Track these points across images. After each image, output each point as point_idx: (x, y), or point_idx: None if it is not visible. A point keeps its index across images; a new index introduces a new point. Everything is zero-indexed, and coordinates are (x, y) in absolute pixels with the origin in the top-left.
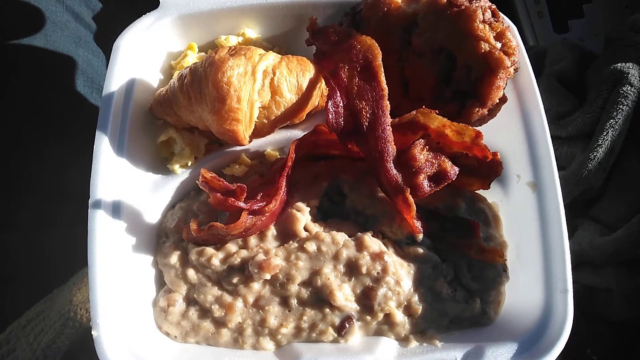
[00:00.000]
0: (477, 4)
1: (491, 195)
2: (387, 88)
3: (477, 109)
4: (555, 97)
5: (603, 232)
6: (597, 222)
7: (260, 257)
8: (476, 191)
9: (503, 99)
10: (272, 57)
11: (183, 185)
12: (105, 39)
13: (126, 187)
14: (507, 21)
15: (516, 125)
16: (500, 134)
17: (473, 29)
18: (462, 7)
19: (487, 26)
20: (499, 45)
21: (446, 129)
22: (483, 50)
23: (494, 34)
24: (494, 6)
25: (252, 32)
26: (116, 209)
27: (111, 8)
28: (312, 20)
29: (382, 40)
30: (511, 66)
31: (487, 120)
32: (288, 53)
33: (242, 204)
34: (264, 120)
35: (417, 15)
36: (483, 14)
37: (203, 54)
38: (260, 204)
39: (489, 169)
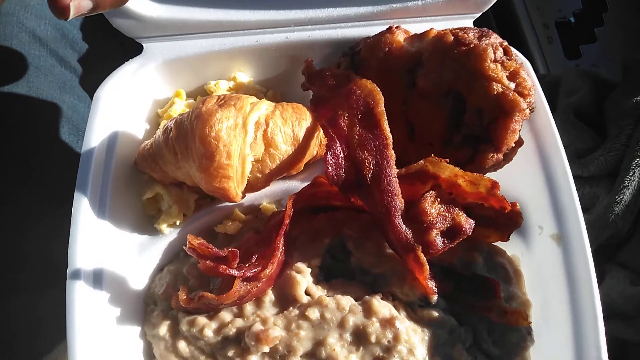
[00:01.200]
0: (487, 42)
1: (511, 247)
2: (391, 136)
3: (492, 154)
4: (573, 133)
5: (633, 280)
6: (626, 268)
7: (258, 327)
8: (494, 243)
9: (519, 142)
10: (265, 107)
11: (171, 246)
12: (93, 82)
13: (109, 252)
14: (521, 57)
15: (535, 171)
16: (518, 180)
17: (484, 69)
18: (471, 46)
19: (499, 65)
20: (512, 85)
21: (459, 179)
22: (495, 92)
23: (507, 74)
24: (505, 42)
25: (244, 75)
26: (98, 277)
27: (98, 49)
28: (307, 62)
29: (384, 83)
30: (527, 107)
31: (502, 165)
32: (283, 96)
33: (234, 272)
34: (258, 175)
35: (422, 55)
36: (494, 53)
37: (192, 100)
38: (255, 269)
39: (507, 220)
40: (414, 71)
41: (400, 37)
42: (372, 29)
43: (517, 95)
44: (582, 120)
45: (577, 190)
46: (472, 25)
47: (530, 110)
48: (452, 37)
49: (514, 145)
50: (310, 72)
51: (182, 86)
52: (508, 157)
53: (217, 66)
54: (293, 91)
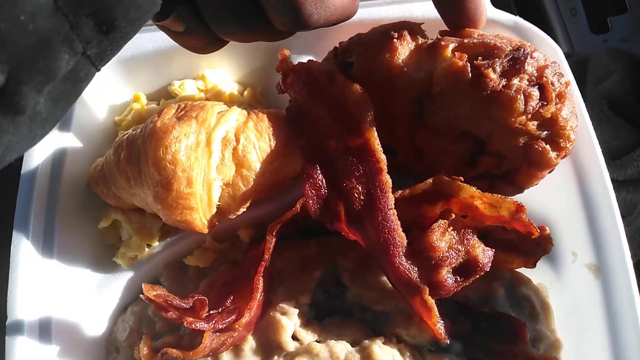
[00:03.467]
0: (518, 83)
1: (538, 275)
2: (384, 159)
3: (511, 191)
4: (607, 129)
5: None
6: None
7: None
8: (517, 269)
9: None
10: (235, 117)
11: (133, 282)
12: None
13: (58, 295)
14: (568, 75)
15: (568, 184)
16: (547, 195)
17: (509, 122)
18: (496, 91)
19: (529, 116)
20: (545, 134)
21: (475, 200)
22: (522, 144)
23: (540, 121)
24: (547, 72)
25: (215, 72)
26: (45, 328)
27: None
28: (282, 55)
29: (384, 107)
30: (562, 159)
31: (524, 190)
32: (264, 95)
33: (202, 325)
34: (229, 200)
35: (432, 87)
36: (526, 103)
37: (154, 105)
38: (229, 318)
39: (534, 245)
40: (421, 102)
41: (402, 57)
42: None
43: (548, 149)
44: (617, 112)
45: None
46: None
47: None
48: (471, 74)
49: None
50: (286, 69)
51: (141, 88)
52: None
53: (182, 62)
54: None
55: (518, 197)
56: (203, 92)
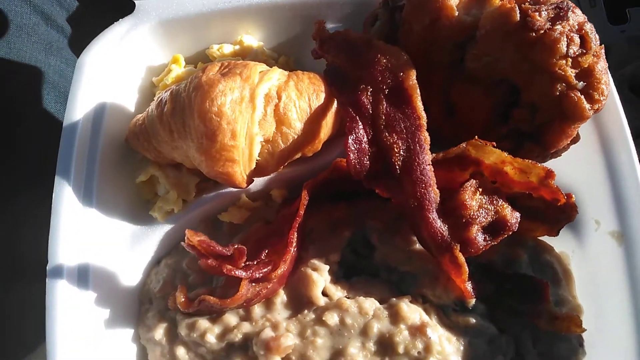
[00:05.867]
0: (561, 28)
1: (560, 244)
2: (425, 116)
3: (536, 153)
4: (629, 111)
5: None
6: None
7: (268, 333)
8: (540, 238)
9: (574, 140)
10: (277, 76)
11: (169, 236)
12: (83, 44)
13: (96, 244)
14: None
15: (594, 155)
16: (573, 165)
17: (550, 65)
18: (541, 33)
19: (569, 61)
20: (581, 84)
21: (506, 165)
22: (559, 92)
23: (578, 71)
24: (587, 26)
25: (252, 38)
26: (83, 274)
27: (89, 6)
28: (318, 24)
29: (425, 53)
30: (594, 113)
31: (548, 160)
32: (297, 64)
33: (241, 273)
34: (268, 157)
35: (477, 30)
36: (568, 46)
37: (192, 67)
38: (265, 269)
39: (559, 213)
40: (464, 47)
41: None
42: None
43: (583, 99)
44: (638, 95)
45: None
46: None
47: (595, 112)
48: (519, 16)
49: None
50: (323, 37)
51: (180, 51)
52: (556, 154)
53: (220, 28)
54: (309, 57)
55: None
56: (240, 56)
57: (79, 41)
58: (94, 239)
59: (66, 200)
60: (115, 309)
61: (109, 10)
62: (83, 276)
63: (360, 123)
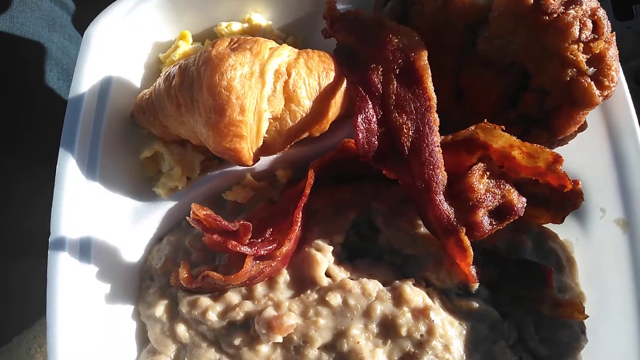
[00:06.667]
0: (574, 13)
1: (564, 231)
2: (435, 97)
3: (544, 139)
4: (635, 103)
5: None
6: None
7: (270, 312)
8: (545, 225)
9: (582, 127)
10: (287, 53)
11: (172, 213)
12: (86, 21)
13: (99, 218)
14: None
15: (601, 143)
16: (579, 153)
17: (562, 49)
18: (554, 16)
19: (581, 46)
20: (591, 71)
21: (514, 150)
22: (569, 77)
23: (589, 57)
24: (600, 12)
25: (261, 17)
26: (85, 248)
27: None
28: (329, 3)
29: (437, 35)
30: (603, 100)
31: (554, 147)
32: (306, 45)
33: (246, 249)
34: (276, 134)
35: (490, 12)
36: (580, 30)
37: (199, 44)
38: (270, 246)
39: (564, 200)
40: (476, 29)
41: None
42: None
43: (593, 85)
44: None
45: None
46: None
47: (604, 98)
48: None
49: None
50: (333, 16)
51: (188, 27)
52: (563, 142)
53: (229, 5)
54: (318, 38)
55: None
56: (249, 35)
57: (83, 18)
58: (97, 213)
59: (70, 172)
60: (116, 285)
61: None
62: (85, 250)
63: (370, 102)
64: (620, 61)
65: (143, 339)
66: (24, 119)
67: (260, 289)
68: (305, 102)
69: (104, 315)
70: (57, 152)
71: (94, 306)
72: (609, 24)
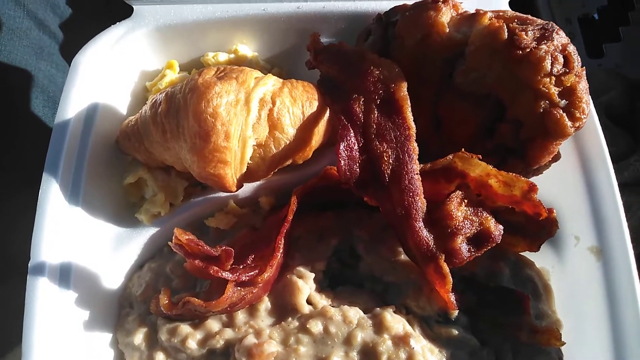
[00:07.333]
0: (546, 48)
1: (541, 259)
2: (414, 126)
3: (520, 169)
4: (606, 136)
5: None
6: None
7: (250, 340)
8: (522, 253)
9: (556, 157)
10: (272, 82)
11: (154, 240)
12: (73, 51)
13: (80, 244)
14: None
15: (574, 173)
16: (553, 182)
17: (534, 82)
18: (527, 51)
19: (553, 79)
20: (563, 103)
21: (491, 178)
22: (542, 109)
23: (561, 89)
24: (570, 47)
25: (247, 48)
26: (65, 274)
27: (83, 14)
28: (313, 36)
29: (416, 67)
30: (575, 131)
31: (530, 177)
32: (290, 76)
33: (227, 275)
34: (259, 161)
35: (467, 47)
36: (552, 64)
37: (185, 73)
38: (251, 272)
39: (539, 228)
40: (453, 63)
41: (445, 17)
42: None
43: (565, 117)
44: (614, 122)
45: None
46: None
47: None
48: (507, 35)
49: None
50: (317, 48)
51: (175, 57)
52: (538, 172)
53: (216, 36)
54: (302, 69)
55: None
56: (235, 65)
57: (70, 48)
58: (78, 239)
59: (52, 197)
60: (95, 312)
61: (102, 18)
62: (65, 275)
63: (351, 131)
64: (592, 96)
65: None
66: (8, 144)
67: (241, 316)
68: (289, 130)
69: (82, 343)
70: (40, 177)
71: (72, 333)
72: (579, 58)
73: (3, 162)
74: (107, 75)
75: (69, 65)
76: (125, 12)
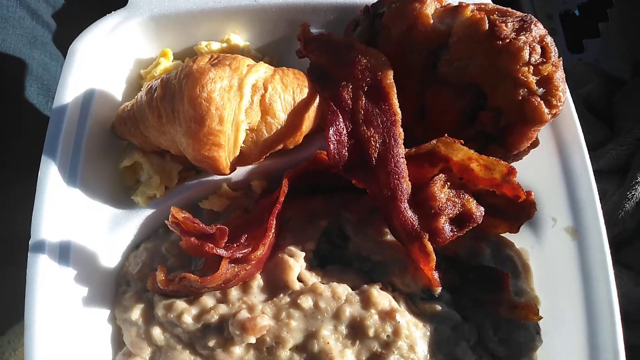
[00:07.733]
0: (525, 39)
1: (520, 240)
2: (400, 112)
3: (500, 154)
4: (584, 125)
5: (638, 281)
6: (630, 269)
7: (244, 314)
8: (502, 234)
9: (534, 143)
10: (264, 69)
11: (149, 221)
12: (67, 40)
13: (78, 224)
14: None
15: (551, 159)
16: (532, 167)
17: (514, 71)
18: (507, 41)
19: (531, 69)
20: (541, 91)
21: (472, 162)
22: (521, 97)
23: (538, 78)
24: (548, 38)
25: (239, 38)
26: (64, 252)
27: (75, 4)
28: (303, 26)
29: (402, 58)
30: (552, 118)
31: (510, 162)
32: (280, 63)
33: (222, 251)
34: (252, 145)
35: (450, 38)
36: (530, 54)
37: (179, 62)
38: (245, 250)
39: (519, 210)
40: (437, 53)
41: (430, 9)
42: None
43: (542, 104)
44: (592, 113)
45: None
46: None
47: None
48: (488, 26)
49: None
50: (307, 38)
51: (169, 45)
52: (518, 157)
53: (209, 26)
54: (292, 59)
55: None
56: (227, 53)
57: (64, 37)
58: (77, 219)
59: (51, 179)
60: (93, 289)
61: (95, 8)
62: (64, 253)
63: (340, 116)
64: (571, 88)
65: (119, 343)
66: (4, 132)
67: (234, 292)
68: (281, 115)
69: (81, 318)
70: (35, 163)
71: (71, 308)
72: (556, 49)
73: (2, 147)
74: (103, 63)
75: (63, 55)
76: (119, 2)
